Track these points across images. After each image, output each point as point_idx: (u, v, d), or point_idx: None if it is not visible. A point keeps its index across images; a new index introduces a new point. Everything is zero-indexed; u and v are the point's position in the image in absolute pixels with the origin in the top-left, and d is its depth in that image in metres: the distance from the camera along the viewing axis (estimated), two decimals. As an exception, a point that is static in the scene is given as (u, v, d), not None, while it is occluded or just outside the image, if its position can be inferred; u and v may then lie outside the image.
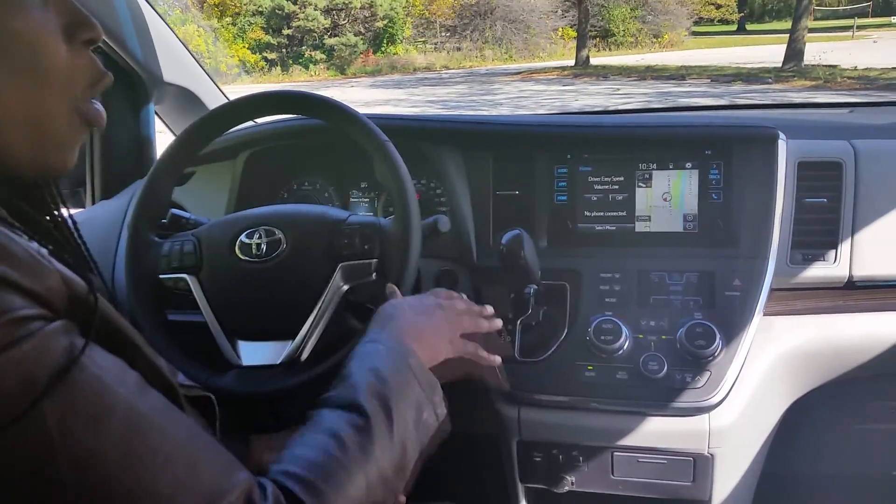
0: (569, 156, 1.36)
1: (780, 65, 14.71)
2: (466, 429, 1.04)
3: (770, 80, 13.33)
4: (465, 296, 1.08)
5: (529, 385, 1.23)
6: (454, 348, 0.98)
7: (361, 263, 1.10)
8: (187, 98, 1.78)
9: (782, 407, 1.30)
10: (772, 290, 1.24)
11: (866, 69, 13.30)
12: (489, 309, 1.08)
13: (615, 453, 1.24)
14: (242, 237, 1.12)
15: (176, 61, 1.73)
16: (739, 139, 1.29)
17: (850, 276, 1.25)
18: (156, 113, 1.77)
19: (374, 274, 1.11)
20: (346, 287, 1.10)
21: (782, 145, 1.27)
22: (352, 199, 1.54)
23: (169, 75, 1.69)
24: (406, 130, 1.41)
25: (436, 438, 0.86)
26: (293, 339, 1.08)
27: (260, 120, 1.42)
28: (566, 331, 1.26)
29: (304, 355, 1.09)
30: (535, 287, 1.27)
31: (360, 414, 0.74)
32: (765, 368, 1.23)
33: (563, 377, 1.22)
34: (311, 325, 1.08)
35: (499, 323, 1.08)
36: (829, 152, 1.30)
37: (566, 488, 1.29)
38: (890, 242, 1.25)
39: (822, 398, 1.32)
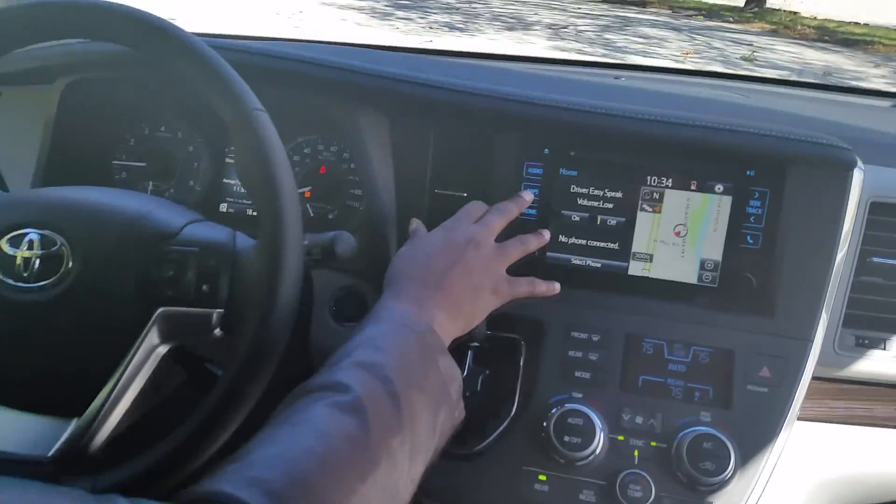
0: (547, 150, 0.92)
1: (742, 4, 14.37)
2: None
3: (731, 19, 13.00)
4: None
5: (455, 490, 0.84)
6: (500, 297, 0.81)
7: (194, 314, 0.67)
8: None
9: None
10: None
11: (826, 20, 13.09)
12: (526, 198, 0.88)
13: None
14: (4, 242, 0.67)
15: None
16: (800, 159, 0.87)
17: (919, 376, 0.89)
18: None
19: (218, 329, 0.68)
20: (165, 348, 0.68)
21: (858, 176, 0.87)
22: (227, 161, 1.07)
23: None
24: (299, 79, 0.94)
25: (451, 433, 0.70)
26: (78, 416, 0.67)
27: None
28: (513, 411, 0.86)
29: (94, 446, 0.66)
30: (476, 344, 0.87)
31: (349, 395, 0.58)
32: (786, 497, 0.87)
33: (502, 486, 0.83)
34: (105, 401, 0.66)
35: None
36: (916, 192, 0.90)
37: None
38: (979, 334, 0.89)
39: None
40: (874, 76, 8.28)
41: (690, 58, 8.39)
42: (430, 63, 1.25)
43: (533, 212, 0.92)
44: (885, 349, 0.90)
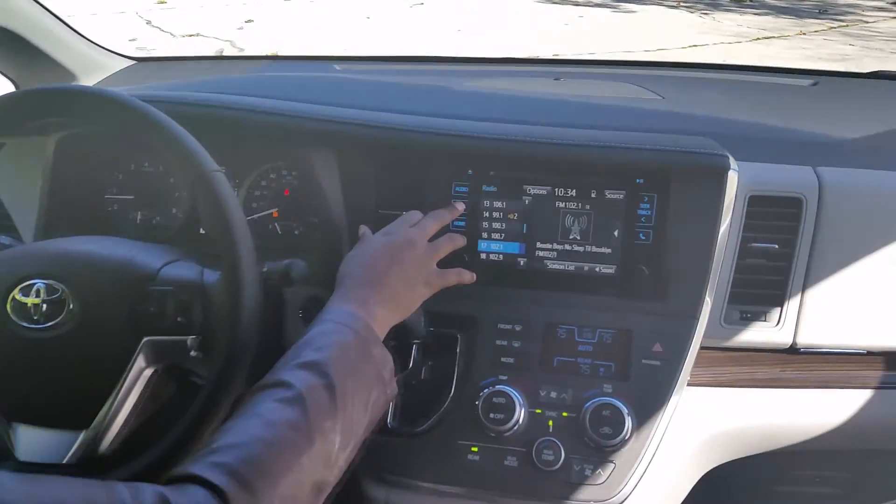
0: (470, 171, 1.08)
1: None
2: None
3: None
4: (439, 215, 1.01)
5: (402, 465, 1.02)
6: (431, 288, 0.94)
7: (173, 341, 0.85)
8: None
9: (693, 480, 1.12)
10: (700, 348, 1.03)
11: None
12: (458, 207, 1.05)
13: (501, 540, 1.06)
14: (16, 293, 0.84)
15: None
16: (681, 168, 1.02)
17: (794, 343, 1.04)
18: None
19: (194, 350, 0.86)
20: (151, 370, 0.85)
21: (733, 177, 1.01)
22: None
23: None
24: (253, 125, 1.09)
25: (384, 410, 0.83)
26: (86, 428, 0.84)
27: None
28: (451, 395, 1.03)
29: (102, 451, 0.85)
30: (419, 340, 1.04)
31: (292, 391, 0.70)
32: (680, 452, 1.04)
33: (441, 459, 1.01)
34: (107, 414, 0.84)
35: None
36: (787, 184, 1.05)
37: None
38: (845, 304, 1.04)
39: (742, 462, 1.14)
40: (868, 7, 8.18)
41: (683, 4, 8.31)
42: (384, 88, 1.38)
43: (461, 223, 1.08)
44: (765, 320, 1.05)
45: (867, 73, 1.57)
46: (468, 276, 0.99)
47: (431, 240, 0.98)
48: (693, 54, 6.28)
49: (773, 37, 7.08)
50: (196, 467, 0.62)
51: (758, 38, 7.01)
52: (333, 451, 0.70)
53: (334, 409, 0.71)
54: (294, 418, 0.68)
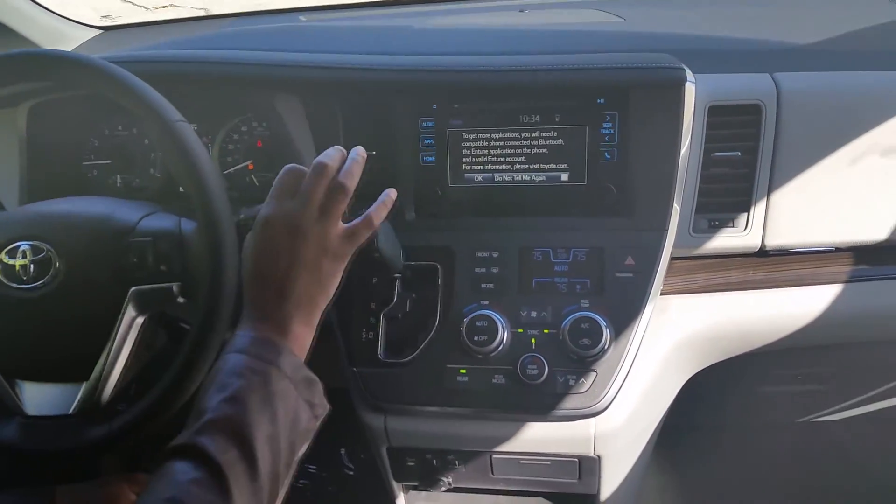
0: (434, 106, 1.10)
1: None
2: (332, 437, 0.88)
3: None
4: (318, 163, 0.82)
5: (395, 392, 1.06)
6: (343, 258, 0.81)
7: (159, 289, 0.88)
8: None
9: (677, 386, 1.17)
10: (671, 259, 1.07)
11: None
12: (359, 151, 0.86)
13: (494, 456, 1.11)
14: (3, 255, 0.87)
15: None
16: (638, 84, 1.04)
17: (763, 245, 1.08)
18: None
19: (180, 297, 0.89)
20: (143, 318, 0.89)
21: (690, 88, 1.03)
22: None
23: None
24: (216, 76, 1.11)
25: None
26: (87, 380, 0.88)
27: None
28: (437, 324, 1.07)
29: (104, 400, 0.89)
30: (399, 275, 1.08)
31: (209, 467, 0.64)
32: (659, 358, 1.09)
33: (432, 382, 1.05)
34: (104, 366, 0.88)
35: (360, 151, 0.86)
36: (746, 92, 1.07)
37: (444, 488, 1.17)
38: (810, 204, 1.07)
39: (722, 365, 1.19)
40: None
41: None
42: (348, 32, 1.40)
43: (431, 158, 1.11)
44: (733, 226, 1.08)
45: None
46: (381, 212, 0.86)
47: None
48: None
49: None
50: None
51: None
52: None
53: (256, 478, 0.66)
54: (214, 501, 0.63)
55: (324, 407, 0.77)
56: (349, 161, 0.84)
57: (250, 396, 0.69)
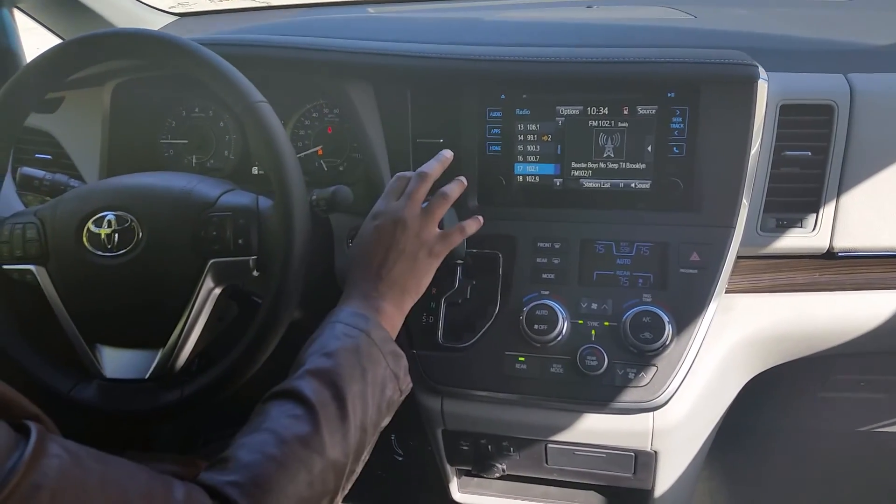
0: (503, 96, 1.11)
1: None
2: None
3: None
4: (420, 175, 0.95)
5: (453, 376, 1.08)
6: (436, 257, 0.92)
7: (236, 261, 0.91)
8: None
9: (738, 387, 1.16)
10: (737, 258, 1.06)
11: None
12: (447, 155, 0.99)
13: (549, 445, 1.12)
14: (90, 224, 0.92)
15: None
16: (710, 79, 1.04)
17: (831, 247, 1.06)
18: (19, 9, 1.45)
19: (255, 271, 0.92)
20: (220, 289, 0.92)
21: (763, 86, 1.02)
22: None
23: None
24: (293, 62, 1.14)
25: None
26: (163, 347, 0.92)
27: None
28: (496, 311, 1.08)
29: (178, 367, 0.93)
30: (461, 261, 1.09)
31: (304, 405, 0.72)
32: (721, 356, 1.08)
33: (490, 368, 1.06)
34: (181, 334, 0.91)
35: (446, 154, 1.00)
36: (819, 92, 1.06)
37: (497, 475, 1.18)
38: (881, 207, 1.05)
39: (783, 368, 1.18)
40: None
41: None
42: (416, 23, 1.42)
43: (497, 147, 1.12)
44: (801, 227, 1.07)
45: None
46: (473, 226, 0.98)
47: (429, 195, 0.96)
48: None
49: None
50: (213, 479, 0.65)
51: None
52: (345, 461, 0.72)
53: (345, 420, 0.73)
54: (306, 434, 0.70)
55: (408, 383, 0.84)
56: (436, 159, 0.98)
57: (343, 354, 0.77)
